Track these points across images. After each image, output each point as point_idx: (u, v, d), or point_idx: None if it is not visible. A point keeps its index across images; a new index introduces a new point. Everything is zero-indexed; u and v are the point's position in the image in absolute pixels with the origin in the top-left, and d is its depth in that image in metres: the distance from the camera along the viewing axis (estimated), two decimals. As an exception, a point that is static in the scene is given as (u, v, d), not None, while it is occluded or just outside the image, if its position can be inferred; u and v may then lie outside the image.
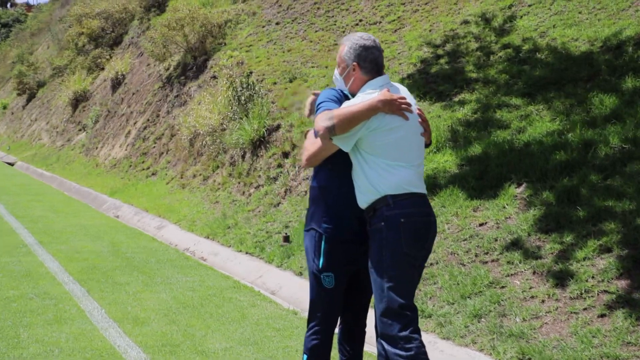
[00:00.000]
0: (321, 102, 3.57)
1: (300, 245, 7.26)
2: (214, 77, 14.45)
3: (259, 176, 9.54)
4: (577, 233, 5.41)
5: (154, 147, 15.13)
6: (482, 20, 10.73)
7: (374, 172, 3.44)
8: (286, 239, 7.49)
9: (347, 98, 3.65)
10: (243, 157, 10.50)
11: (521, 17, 10.31)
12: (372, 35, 3.62)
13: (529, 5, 10.46)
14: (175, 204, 11.37)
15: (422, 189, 3.50)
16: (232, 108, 10.98)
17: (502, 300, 5.10)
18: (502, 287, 5.21)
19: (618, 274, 4.89)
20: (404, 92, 3.60)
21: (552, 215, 5.74)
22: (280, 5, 15.73)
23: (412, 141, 3.49)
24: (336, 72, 3.68)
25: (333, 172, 3.60)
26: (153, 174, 14.06)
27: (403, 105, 3.41)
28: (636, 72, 7.54)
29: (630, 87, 7.26)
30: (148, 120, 16.65)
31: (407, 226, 3.37)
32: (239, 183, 10.02)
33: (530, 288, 5.06)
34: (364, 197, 3.48)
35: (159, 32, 16.43)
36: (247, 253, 7.91)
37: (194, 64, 15.74)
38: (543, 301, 4.96)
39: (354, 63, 3.57)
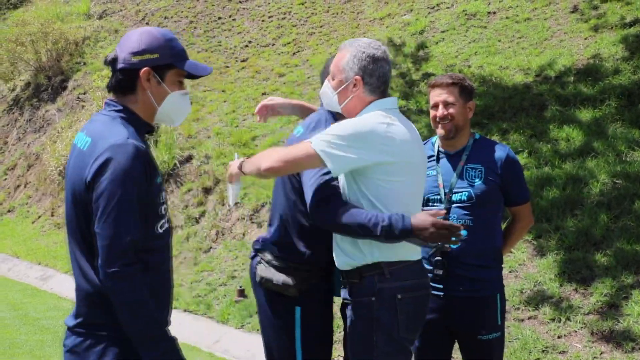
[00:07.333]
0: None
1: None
2: (80, 100, 12.85)
3: (175, 215, 8.32)
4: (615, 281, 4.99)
5: (5, 179, 13.09)
6: (391, 46, 10.31)
7: None
8: (241, 293, 6.42)
9: (335, 120, 2.96)
10: (142, 192, 9.18)
11: (436, 43, 10.03)
12: (381, 44, 2.88)
13: (442, 32, 10.21)
14: (55, 247, 9.73)
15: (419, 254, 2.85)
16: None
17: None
18: (561, 352, 4.61)
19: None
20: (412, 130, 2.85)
21: (574, 261, 5.29)
22: (147, 23, 14.37)
23: (417, 193, 2.87)
24: (327, 85, 2.93)
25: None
26: (9, 211, 12.10)
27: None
28: (585, 102, 7.41)
29: (589, 118, 7.11)
30: (-8, 148, 14.46)
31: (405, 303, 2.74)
32: (146, 223, 8.70)
33: (602, 353, 4.51)
34: (346, 259, 2.79)
35: (4, 48, 14.36)
36: (187, 311, 6.72)
37: (48, 85, 13.93)
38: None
39: (356, 77, 2.83)
